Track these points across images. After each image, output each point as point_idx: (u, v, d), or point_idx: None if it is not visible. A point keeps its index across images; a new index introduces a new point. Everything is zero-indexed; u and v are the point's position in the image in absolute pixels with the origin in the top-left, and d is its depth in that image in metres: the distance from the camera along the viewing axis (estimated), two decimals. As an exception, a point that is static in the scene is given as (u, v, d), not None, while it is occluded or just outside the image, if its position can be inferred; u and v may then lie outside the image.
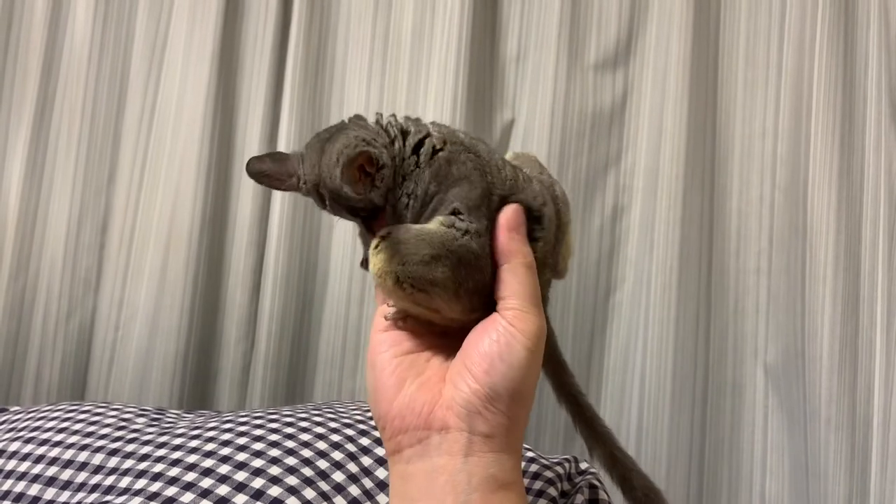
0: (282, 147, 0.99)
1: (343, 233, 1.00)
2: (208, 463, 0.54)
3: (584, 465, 0.65)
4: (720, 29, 0.96)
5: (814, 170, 0.88)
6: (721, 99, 0.96)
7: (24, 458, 0.57)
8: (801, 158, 0.90)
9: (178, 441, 0.57)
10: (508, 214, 0.43)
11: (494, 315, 0.41)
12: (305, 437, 0.57)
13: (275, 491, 0.51)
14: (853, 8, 0.89)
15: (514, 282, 0.41)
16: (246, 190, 1.01)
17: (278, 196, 0.99)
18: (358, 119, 0.45)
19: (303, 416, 0.61)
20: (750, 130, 0.94)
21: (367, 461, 0.56)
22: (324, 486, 0.53)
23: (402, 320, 0.43)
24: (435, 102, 0.96)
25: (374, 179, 0.42)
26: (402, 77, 0.99)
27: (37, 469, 0.56)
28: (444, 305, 0.41)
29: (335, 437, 0.58)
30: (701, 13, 0.95)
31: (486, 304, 0.42)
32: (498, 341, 0.40)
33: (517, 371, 0.39)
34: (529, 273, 0.42)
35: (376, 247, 0.41)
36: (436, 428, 0.40)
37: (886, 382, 0.85)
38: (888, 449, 0.83)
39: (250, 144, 1.02)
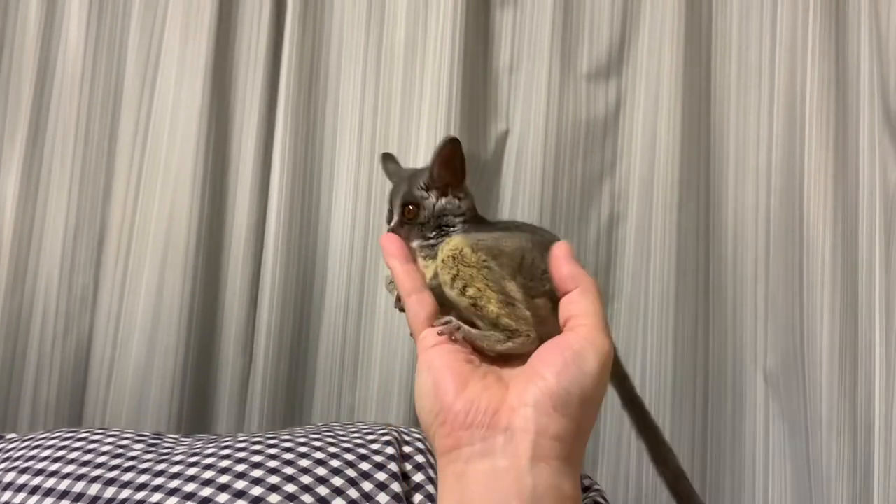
0: (276, 159, 0.99)
1: (340, 246, 1.00)
2: (207, 492, 0.53)
3: (587, 482, 0.65)
4: (712, 36, 0.96)
5: (808, 176, 0.88)
6: (714, 106, 0.96)
7: (20, 489, 0.56)
8: (795, 165, 0.90)
9: (175, 469, 0.57)
10: (564, 248, 0.46)
11: (566, 334, 0.43)
12: (304, 462, 0.57)
13: (274, 518, 0.51)
14: (843, 14, 0.88)
15: (586, 302, 0.43)
16: (242, 204, 1.01)
17: (274, 209, 0.98)
18: None
19: (302, 440, 0.61)
20: (744, 137, 0.94)
21: (367, 486, 0.56)
22: (324, 511, 0.53)
23: (456, 331, 0.45)
24: (429, 114, 0.95)
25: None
26: (395, 89, 0.98)
27: (32, 501, 0.55)
28: (508, 285, 0.45)
29: (335, 463, 0.57)
30: (692, 21, 0.94)
31: (537, 325, 0.45)
32: (571, 348, 0.41)
33: (589, 378, 0.40)
34: (598, 296, 0.44)
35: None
36: (500, 428, 0.39)
37: (887, 386, 0.85)
38: (891, 453, 0.83)
39: (245, 158, 1.01)
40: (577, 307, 0.43)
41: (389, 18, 1.00)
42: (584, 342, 0.41)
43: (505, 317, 0.45)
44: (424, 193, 0.52)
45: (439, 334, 0.44)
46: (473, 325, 0.46)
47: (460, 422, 0.39)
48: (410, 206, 0.52)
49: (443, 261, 0.47)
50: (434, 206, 0.52)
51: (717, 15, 0.96)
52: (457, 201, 0.52)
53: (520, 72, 0.99)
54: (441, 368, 0.42)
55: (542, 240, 0.49)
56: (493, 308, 0.45)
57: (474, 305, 0.45)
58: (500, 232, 0.49)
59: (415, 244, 0.52)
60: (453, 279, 0.46)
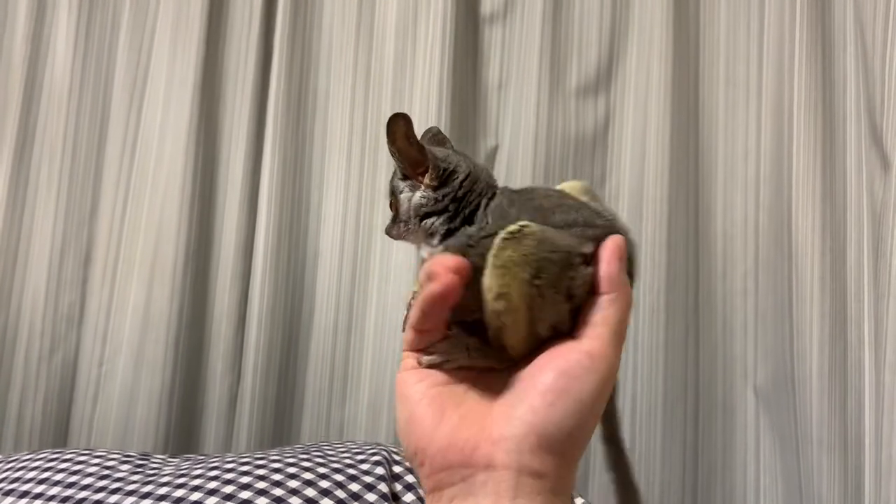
0: (265, 176, 0.99)
1: (329, 264, 1.00)
2: (194, 514, 0.53)
3: (579, 502, 0.64)
4: (700, 52, 0.97)
5: (796, 191, 0.89)
6: (703, 121, 0.96)
7: (5, 512, 0.56)
8: (783, 179, 0.90)
9: (162, 490, 0.56)
10: (619, 243, 0.40)
11: (570, 343, 0.38)
12: (293, 483, 0.56)
13: (263, 541, 0.50)
14: (829, 31, 0.89)
15: (611, 312, 0.38)
16: (230, 221, 1.00)
17: (263, 227, 0.98)
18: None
19: (291, 460, 0.60)
20: (732, 152, 0.95)
21: (356, 507, 0.55)
22: (313, 533, 0.52)
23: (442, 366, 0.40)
24: (419, 131, 0.95)
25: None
26: (384, 106, 0.98)
27: (17, 525, 0.54)
28: (542, 324, 0.38)
29: (324, 484, 0.57)
30: (680, 37, 0.95)
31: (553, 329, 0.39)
32: (569, 369, 0.36)
33: (585, 407, 0.36)
34: (628, 309, 0.39)
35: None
36: (481, 465, 0.35)
37: (877, 402, 0.85)
38: (881, 468, 0.83)
39: (233, 175, 1.01)
40: (600, 315, 0.38)
41: (378, 35, 1.00)
42: (587, 365, 0.37)
43: (516, 351, 0.39)
44: (400, 184, 0.43)
45: (423, 365, 0.40)
46: (479, 329, 0.39)
47: (438, 463, 0.37)
48: (391, 199, 0.44)
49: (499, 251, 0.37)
50: (410, 200, 0.43)
51: (704, 31, 0.97)
52: (431, 193, 0.42)
53: (509, 88, 0.99)
54: (416, 404, 0.38)
55: (596, 234, 0.40)
56: (511, 339, 0.39)
57: (498, 318, 0.38)
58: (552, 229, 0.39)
59: (424, 253, 0.43)
60: (500, 282, 0.37)
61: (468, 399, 0.38)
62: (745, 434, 0.92)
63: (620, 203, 0.96)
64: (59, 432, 1.01)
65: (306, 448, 0.66)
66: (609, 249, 0.39)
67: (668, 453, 0.90)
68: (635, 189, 0.95)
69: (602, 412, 0.38)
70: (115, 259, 1.03)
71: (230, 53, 1.03)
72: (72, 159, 1.04)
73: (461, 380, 0.39)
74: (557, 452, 0.35)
